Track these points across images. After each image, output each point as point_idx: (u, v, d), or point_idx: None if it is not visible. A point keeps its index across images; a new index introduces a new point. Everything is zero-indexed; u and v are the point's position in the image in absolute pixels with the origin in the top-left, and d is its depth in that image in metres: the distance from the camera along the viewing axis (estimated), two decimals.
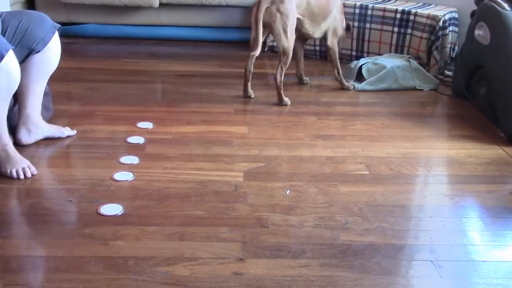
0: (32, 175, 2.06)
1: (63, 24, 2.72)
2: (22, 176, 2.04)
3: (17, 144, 2.26)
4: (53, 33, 2.22)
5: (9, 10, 2.95)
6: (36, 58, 2.20)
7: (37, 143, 2.34)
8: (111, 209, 1.86)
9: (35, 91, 2.27)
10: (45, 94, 2.39)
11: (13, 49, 1.93)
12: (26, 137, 2.30)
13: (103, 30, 4.14)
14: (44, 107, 2.43)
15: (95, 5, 4.01)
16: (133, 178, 2.08)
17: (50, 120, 2.52)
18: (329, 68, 3.68)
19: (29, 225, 1.80)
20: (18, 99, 2.24)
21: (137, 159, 2.22)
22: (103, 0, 3.96)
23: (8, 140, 2.06)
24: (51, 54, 2.24)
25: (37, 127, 2.32)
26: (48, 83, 2.40)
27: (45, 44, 2.19)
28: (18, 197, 1.97)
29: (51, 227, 1.76)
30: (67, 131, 2.42)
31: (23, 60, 2.17)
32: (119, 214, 1.83)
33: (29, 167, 2.06)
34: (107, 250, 1.63)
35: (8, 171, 2.04)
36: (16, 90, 2.06)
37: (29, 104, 2.27)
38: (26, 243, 1.68)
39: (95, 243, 1.67)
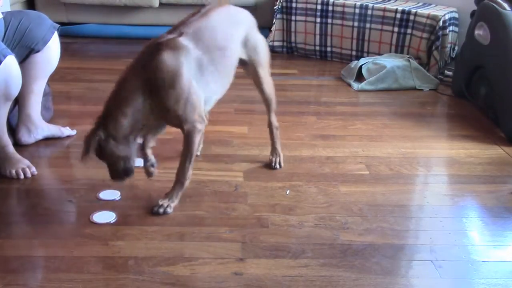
0: (32, 175, 2.06)
1: (62, 24, 2.72)
2: (22, 176, 2.04)
3: (17, 144, 2.26)
4: (53, 33, 2.22)
5: (9, 10, 2.95)
6: (36, 57, 2.20)
7: (37, 143, 2.34)
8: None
9: (35, 90, 2.27)
10: (45, 94, 2.39)
11: (13, 55, 1.92)
12: (26, 137, 2.30)
13: (103, 30, 4.13)
14: (44, 107, 2.43)
15: (95, 5, 4.01)
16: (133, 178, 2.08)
17: (50, 120, 2.52)
18: (329, 68, 3.70)
19: (29, 225, 1.80)
20: (18, 99, 2.24)
21: None
22: (103, 0, 3.96)
23: (7, 141, 2.06)
24: (51, 54, 2.24)
25: (37, 127, 2.32)
26: (48, 83, 2.40)
27: (45, 43, 2.19)
28: (18, 197, 1.97)
29: (51, 227, 1.76)
30: (67, 131, 2.42)
31: (23, 60, 2.17)
32: (119, 214, 1.83)
33: (29, 167, 2.06)
34: (107, 250, 1.63)
35: (8, 171, 2.03)
36: None
37: (29, 104, 2.27)
38: (26, 243, 1.68)
39: (95, 243, 1.67)
